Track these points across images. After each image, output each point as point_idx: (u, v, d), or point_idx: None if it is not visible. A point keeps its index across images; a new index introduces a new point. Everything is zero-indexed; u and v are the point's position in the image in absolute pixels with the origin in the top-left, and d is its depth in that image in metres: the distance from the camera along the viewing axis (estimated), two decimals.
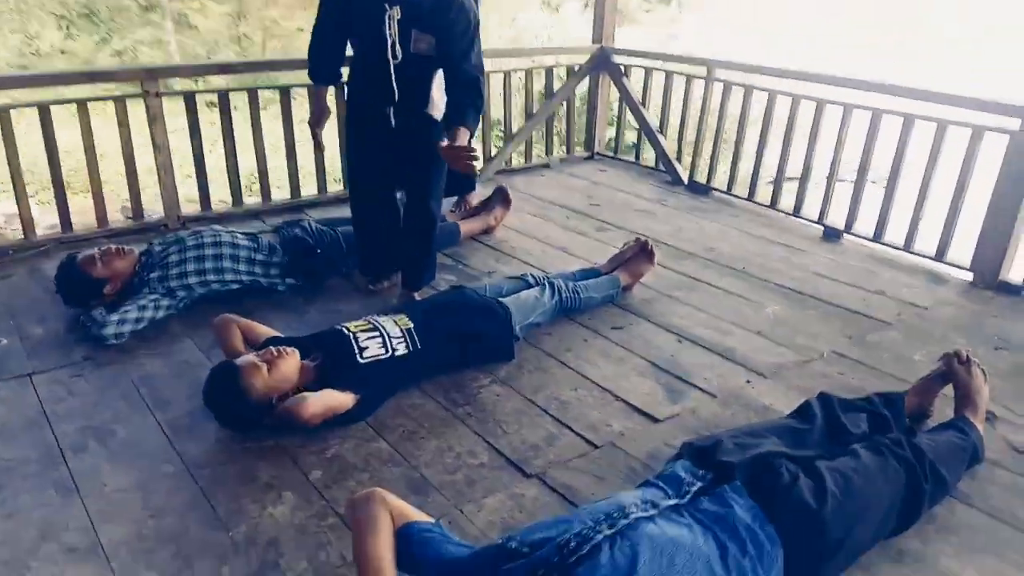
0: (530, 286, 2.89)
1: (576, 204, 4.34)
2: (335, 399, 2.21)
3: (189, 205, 4.08)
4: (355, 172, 3.09)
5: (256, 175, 4.01)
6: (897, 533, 1.86)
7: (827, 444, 1.97)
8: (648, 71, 4.79)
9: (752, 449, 1.80)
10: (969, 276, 3.39)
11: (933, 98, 3.42)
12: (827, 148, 3.86)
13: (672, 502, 1.65)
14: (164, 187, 3.72)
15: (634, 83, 4.90)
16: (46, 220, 4.39)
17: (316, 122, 3.10)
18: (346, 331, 2.40)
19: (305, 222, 3.31)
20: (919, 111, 3.50)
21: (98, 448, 2.17)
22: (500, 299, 2.71)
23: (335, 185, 4.29)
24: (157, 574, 1.74)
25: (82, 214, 3.83)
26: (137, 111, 3.62)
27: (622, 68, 4.88)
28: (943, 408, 2.32)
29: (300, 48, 4.75)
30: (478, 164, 2.73)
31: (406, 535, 1.61)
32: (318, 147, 3.20)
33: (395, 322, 2.46)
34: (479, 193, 4.05)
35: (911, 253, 3.62)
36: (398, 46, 2.70)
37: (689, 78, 4.56)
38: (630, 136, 5.30)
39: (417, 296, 3.02)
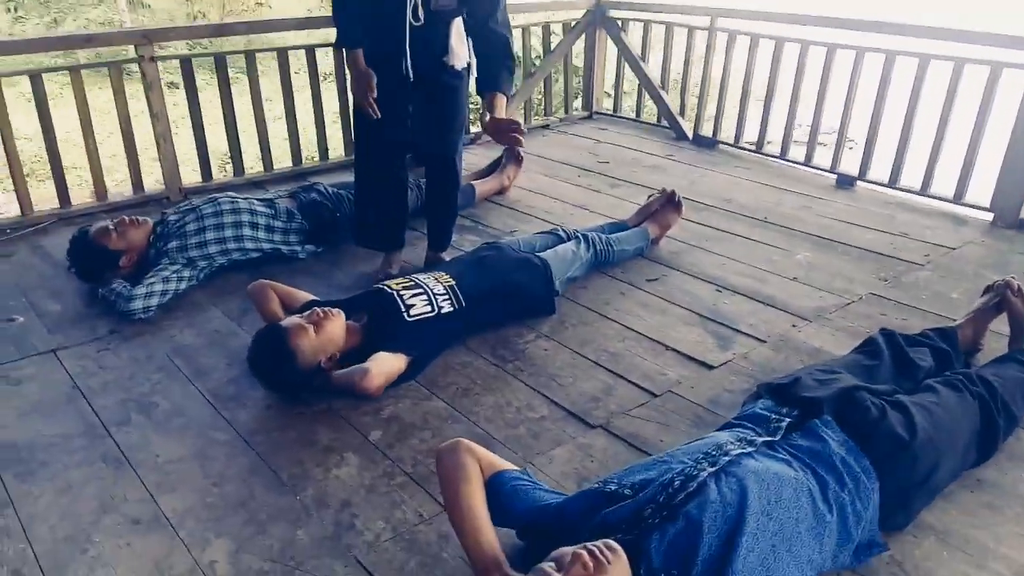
0: (562, 240, 2.83)
1: (584, 163, 4.27)
2: (391, 364, 2.15)
3: (189, 177, 3.93)
4: (367, 138, 2.80)
5: (258, 143, 3.86)
6: (975, 466, 1.86)
7: (898, 379, 1.95)
8: (647, 24, 4.71)
9: (833, 384, 1.77)
10: (989, 216, 3.40)
11: (949, 36, 3.40)
12: (839, 95, 3.83)
13: (765, 438, 1.61)
14: (164, 157, 3.57)
15: (633, 37, 4.81)
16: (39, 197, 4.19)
17: (366, 89, 2.60)
18: (389, 290, 2.33)
19: (320, 186, 3.21)
20: (934, 50, 3.47)
21: (142, 420, 2.08)
22: (537, 254, 2.65)
23: (333, 152, 4.14)
24: (229, 540, 1.67)
25: (74, 191, 3.66)
26: (131, 81, 3.47)
27: (619, 23, 4.78)
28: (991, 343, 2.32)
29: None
30: (523, 135, 2.56)
31: (497, 484, 1.57)
32: (374, 115, 2.64)
33: (436, 279, 2.39)
34: (482, 157, 3.95)
35: (928, 196, 3.62)
36: (420, 8, 2.51)
37: (691, 29, 4.48)
38: (629, 94, 5.22)
39: (445, 256, 2.94)
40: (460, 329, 2.38)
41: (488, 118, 2.57)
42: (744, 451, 1.54)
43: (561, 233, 2.88)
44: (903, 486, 1.65)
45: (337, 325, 2.15)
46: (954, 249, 3.12)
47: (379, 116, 2.63)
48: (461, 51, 2.67)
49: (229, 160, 3.80)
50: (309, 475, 1.87)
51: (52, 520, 1.73)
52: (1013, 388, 1.96)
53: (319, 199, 3.11)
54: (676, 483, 1.45)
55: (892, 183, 3.73)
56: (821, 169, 4.03)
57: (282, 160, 4.11)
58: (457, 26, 2.66)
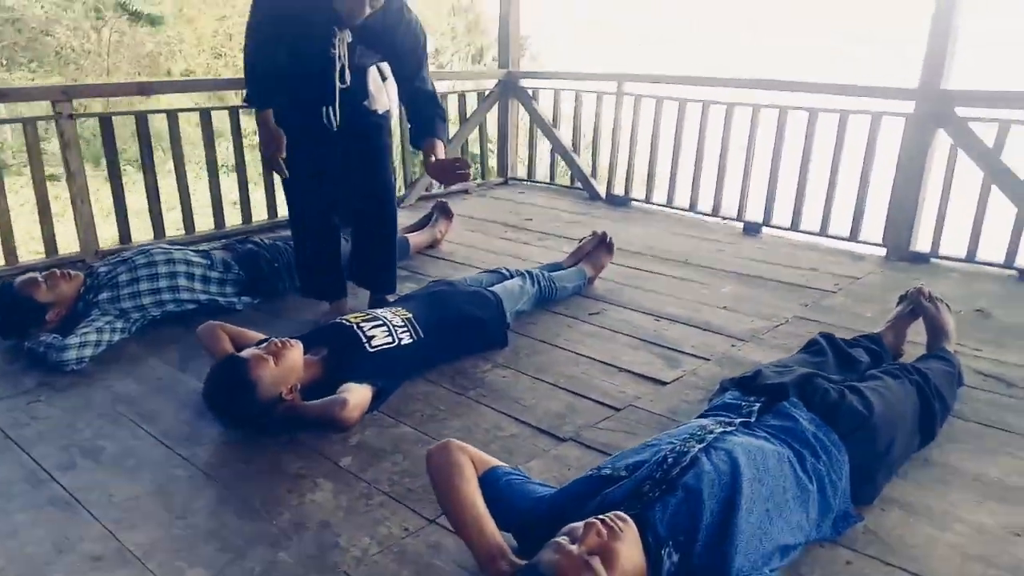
0: (507, 277, 2.90)
1: (508, 220, 4.41)
2: (364, 395, 2.11)
3: (105, 239, 3.77)
4: (295, 193, 2.81)
5: (179, 205, 3.78)
6: (920, 448, 2.00)
7: (842, 372, 2.09)
8: (557, 92, 4.99)
9: (792, 373, 1.89)
10: (883, 251, 3.73)
11: (834, 90, 3.80)
12: (739, 148, 4.16)
13: (741, 420, 1.69)
14: (80, 217, 3.44)
15: (543, 105, 5.08)
16: None
17: (277, 149, 2.62)
18: (347, 323, 2.31)
19: (256, 237, 3.16)
20: (821, 105, 3.86)
21: (89, 464, 1.94)
22: (488, 288, 2.70)
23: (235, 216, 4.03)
24: (205, 569, 1.57)
25: None
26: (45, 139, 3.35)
27: (529, 91, 5.05)
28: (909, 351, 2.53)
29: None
30: (470, 170, 2.65)
31: (491, 480, 1.56)
32: (282, 175, 2.71)
33: (394, 313, 2.39)
34: (409, 216, 4.02)
35: (828, 236, 3.94)
36: (347, 69, 2.56)
37: (599, 95, 4.79)
38: (543, 159, 5.46)
39: (391, 299, 2.93)
40: (420, 360, 2.38)
41: (433, 160, 2.63)
42: (726, 430, 1.61)
43: (505, 272, 2.95)
44: (866, 460, 1.75)
45: (296, 355, 2.10)
46: (859, 278, 3.40)
47: (287, 176, 2.68)
48: (381, 97, 2.74)
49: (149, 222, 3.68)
50: (282, 501, 1.80)
51: (0, 563, 1.57)
52: (941, 378, 2.14)
53: (255, 249, 3.06)
54: (669, 460, 1.49)
55: (794, 227, 4.05)
56: (729, 218, 4.32)
57: (205, 223, 4.02)
58: (373, 73, 2.71)
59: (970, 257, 3.53)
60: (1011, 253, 3.45)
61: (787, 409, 1.73)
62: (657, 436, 1.68)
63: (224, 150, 3.77)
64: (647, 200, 4.70)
